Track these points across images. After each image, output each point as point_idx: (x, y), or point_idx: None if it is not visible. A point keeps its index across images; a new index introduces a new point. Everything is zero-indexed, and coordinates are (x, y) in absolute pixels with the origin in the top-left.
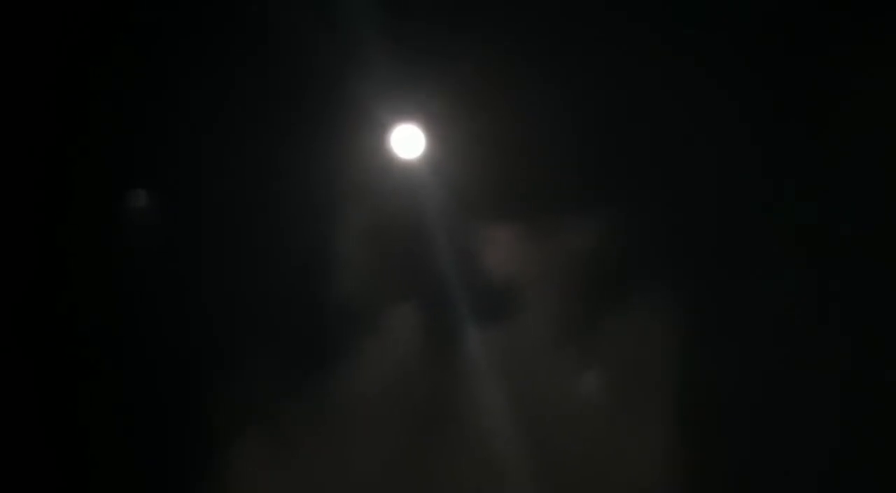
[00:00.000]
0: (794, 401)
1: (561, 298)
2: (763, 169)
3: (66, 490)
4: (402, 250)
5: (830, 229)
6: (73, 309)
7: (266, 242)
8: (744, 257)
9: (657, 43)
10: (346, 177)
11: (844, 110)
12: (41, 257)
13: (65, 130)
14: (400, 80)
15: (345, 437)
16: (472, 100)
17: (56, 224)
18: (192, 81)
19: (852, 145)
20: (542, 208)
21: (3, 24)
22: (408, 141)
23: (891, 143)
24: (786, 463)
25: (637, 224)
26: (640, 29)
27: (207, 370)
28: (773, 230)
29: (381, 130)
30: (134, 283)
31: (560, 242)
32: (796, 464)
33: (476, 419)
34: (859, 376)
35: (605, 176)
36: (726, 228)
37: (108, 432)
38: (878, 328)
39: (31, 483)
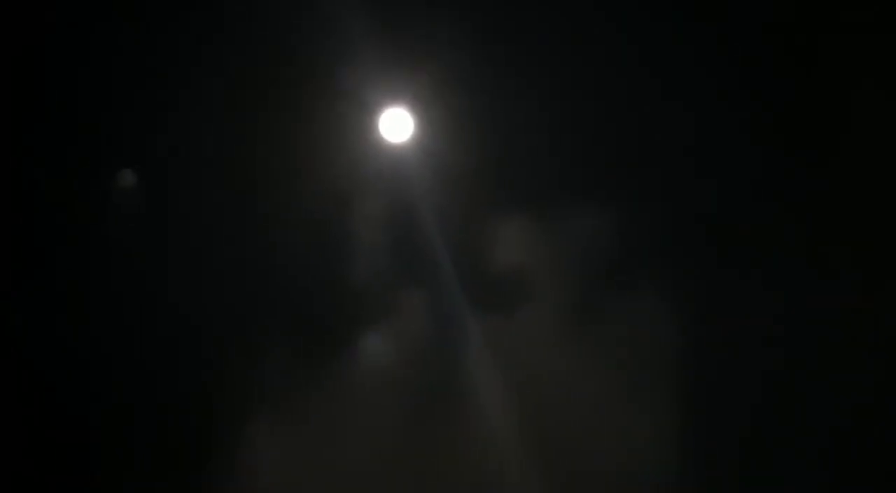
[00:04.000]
0: (794, 398)
1: (561, 288)
2: (764, 168)
3: (80, 470)
4: (398, 235)
5: (829, 231)
6: (82, 293)
7: (260, 228)
8: (745, 255)
9: (665, 33)
10: (336, 163)
11: (845, 113)
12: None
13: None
14: (387, 62)
15: (351, 420)
16: (463, 83)
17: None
18: (178, 69)
19: (854, 147)
20: (539, 196)
21: None
22: (397, 125)
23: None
24: (784, 458)
25: (640, 216)
26: (645, 19)
27: (217, 353)
28: (774, 229)
29: (370, 114)
30: (141, 268)
31: (559, 232)
32: (794, 459)
33: (479, 406)
34: (858, 373)
35: (606, 166)
36: (728, 225)
37: (121, 416)
38: (877, 325)
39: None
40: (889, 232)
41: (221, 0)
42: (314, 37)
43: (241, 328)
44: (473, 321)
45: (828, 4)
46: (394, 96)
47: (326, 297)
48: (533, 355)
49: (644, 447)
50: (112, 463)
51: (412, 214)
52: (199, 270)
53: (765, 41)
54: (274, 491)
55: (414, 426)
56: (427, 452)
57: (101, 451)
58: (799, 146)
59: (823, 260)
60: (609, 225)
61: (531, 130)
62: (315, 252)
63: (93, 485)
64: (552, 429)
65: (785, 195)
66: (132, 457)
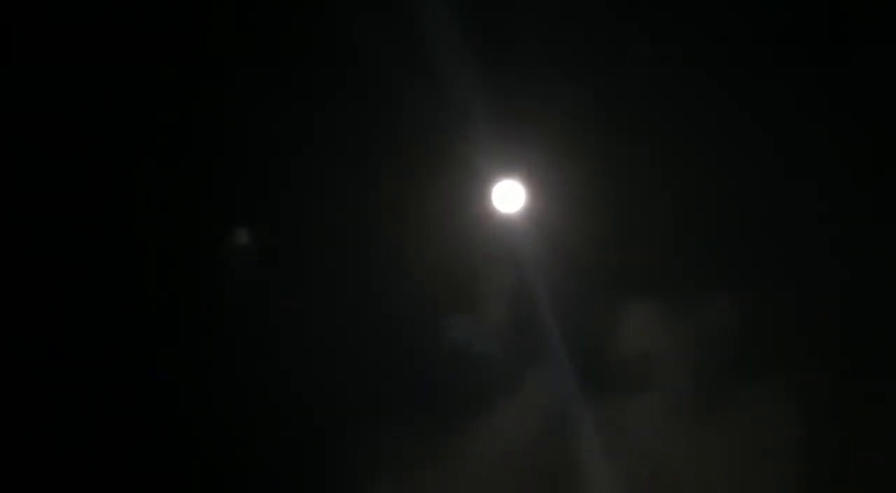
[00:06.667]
0: None
1: (680, 373)
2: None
3: None
4: (509, 310)
5: None
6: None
7: (373, 298)
8: (871, 352)
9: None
10: (448, 231)
11: None
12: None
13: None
14: (501, 135)
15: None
16: (574, 156)
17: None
18: (300, 136)
19: None
20: (659, 275)
21: None
22: (509, 196)
23: None
24: None
25: (761, 307)
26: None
27: (331, 426)
28: None
29: (483, 184)
30: (257, 332)
31: (678, 314)
32: None
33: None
34: None
35: (732, 246)
36: (854, 322)
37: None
38: None
39: None
40: None
41: (343, 72)
42: (431, 107)
43: (355, 400)
44: (586, 403)
45: None
46: (507, 167)
47: (440, 371)
48: (648, 442)
49: None
50: None
51: (525, 289)
52: (311, 338)
53: None
54: None
55: None
56: None
57: None
58: None
59: None
60: (734, 310)
61: (650, 205)
62: (426, 324)
63: None
64: None
65: None
66: None
